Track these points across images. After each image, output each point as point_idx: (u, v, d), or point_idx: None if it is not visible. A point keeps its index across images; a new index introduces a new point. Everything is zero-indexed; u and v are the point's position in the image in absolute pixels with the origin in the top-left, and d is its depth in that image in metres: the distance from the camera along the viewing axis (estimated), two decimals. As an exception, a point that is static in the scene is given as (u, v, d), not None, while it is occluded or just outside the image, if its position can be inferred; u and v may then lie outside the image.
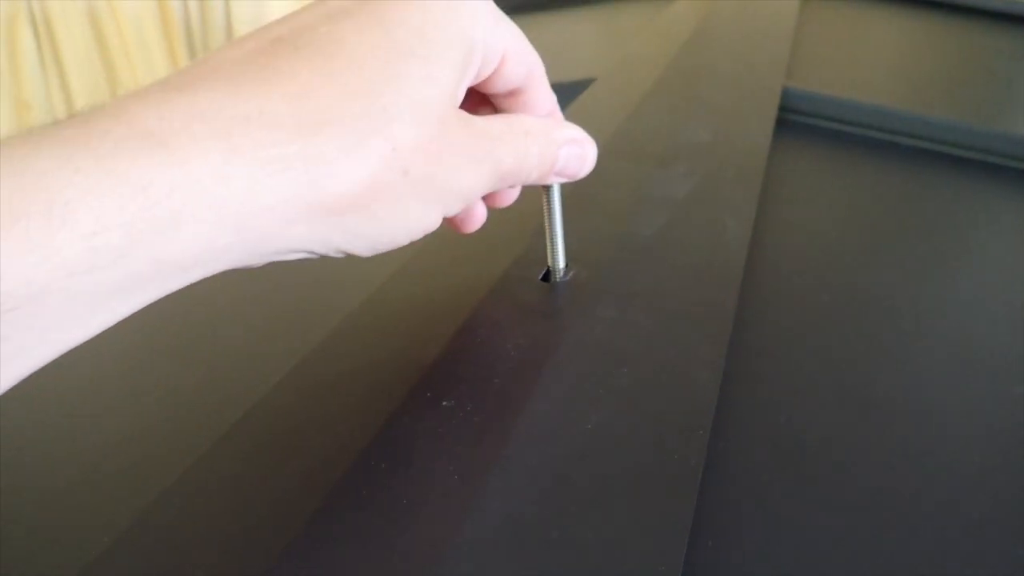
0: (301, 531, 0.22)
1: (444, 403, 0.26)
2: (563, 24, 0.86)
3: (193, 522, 0.23)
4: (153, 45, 1.70)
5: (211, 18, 1.71)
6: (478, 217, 0.31)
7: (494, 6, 0.27)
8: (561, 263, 0.33)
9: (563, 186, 0.31)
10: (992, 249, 0.43)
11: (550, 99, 0.30)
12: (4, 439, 0.29)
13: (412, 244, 0.26)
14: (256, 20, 1.72)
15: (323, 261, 0.24)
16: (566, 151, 0.29)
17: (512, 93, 0.29)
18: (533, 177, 0.29)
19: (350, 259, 0.24)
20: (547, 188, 0.31)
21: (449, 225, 0.31)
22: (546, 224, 0.32)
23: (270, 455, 0.25)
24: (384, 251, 0.25)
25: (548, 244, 0.33)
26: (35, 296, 0.17)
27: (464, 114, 0.25)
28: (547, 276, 0.33)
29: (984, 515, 0.25)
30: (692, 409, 0.26)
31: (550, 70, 0.30)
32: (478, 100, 0.30)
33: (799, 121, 0.57)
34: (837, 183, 0.50)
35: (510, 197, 0.32)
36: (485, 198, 0.31)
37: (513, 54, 0.27)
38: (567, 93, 0.62)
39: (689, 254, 0.35)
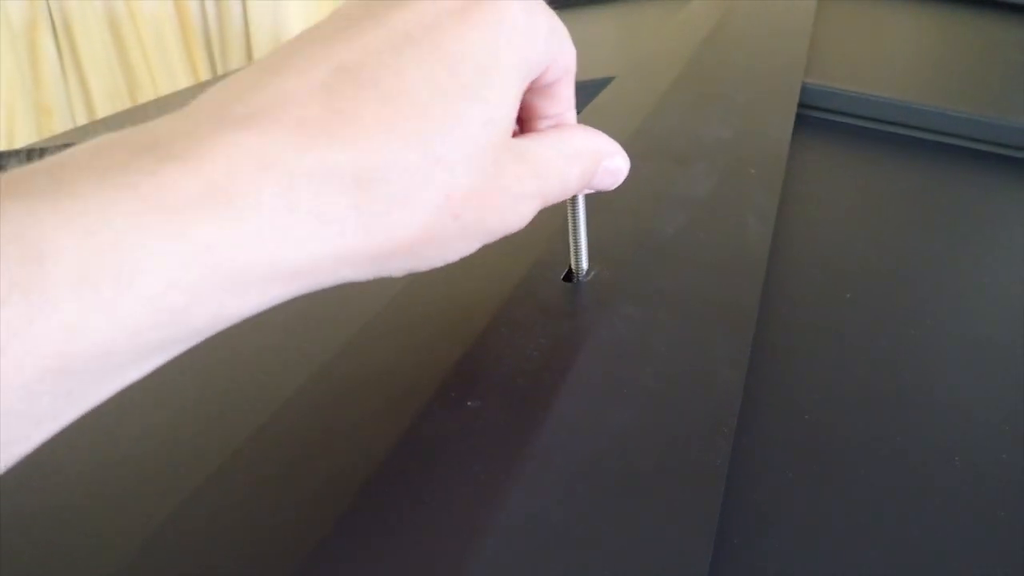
0: (329, 535, 0.22)
1: (469, 403, 0.26)
2: (582, 23, 0.86)
3: (219, 528, 0.23)
4: (172, 47, 1.71)
5: (228, 19, 1.72)
6: None
7: (550, 11, 0.26)
8: (584, 266, 0.33)
9: None
10: (1016, 243, 0.43)
11: (571, 96, 0.30)
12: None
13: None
14: (274, 21, 1.73)
15: None
16: (604, 166, 0.29)
17: (541, 88, 0.29)
18: (572, 194, 0.28)
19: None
20: (572, 196, 0.31)
21: None
22: (570, 229, 0.32)
23: (296, 459, 0.25)
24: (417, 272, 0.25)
25: (572, 248, 0.33)
26: (101, 355, 0.17)
27: (516, 144, 0.25)
28: (568, 276, 0.33)
29: (1014, 513, 0.25)
30: (717, 408, 0.26)
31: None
32: None
33: (819, 117, 0.57)
34: (858, 179, 0.50)
35: None
36: None
37: (558, 56, 0.27)
38: (586, 92, 0.62)
39: (711, 252, 0.35)
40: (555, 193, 0.27)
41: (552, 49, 0.26)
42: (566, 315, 0.31)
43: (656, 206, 0.39)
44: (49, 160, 0.18)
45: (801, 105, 0.55)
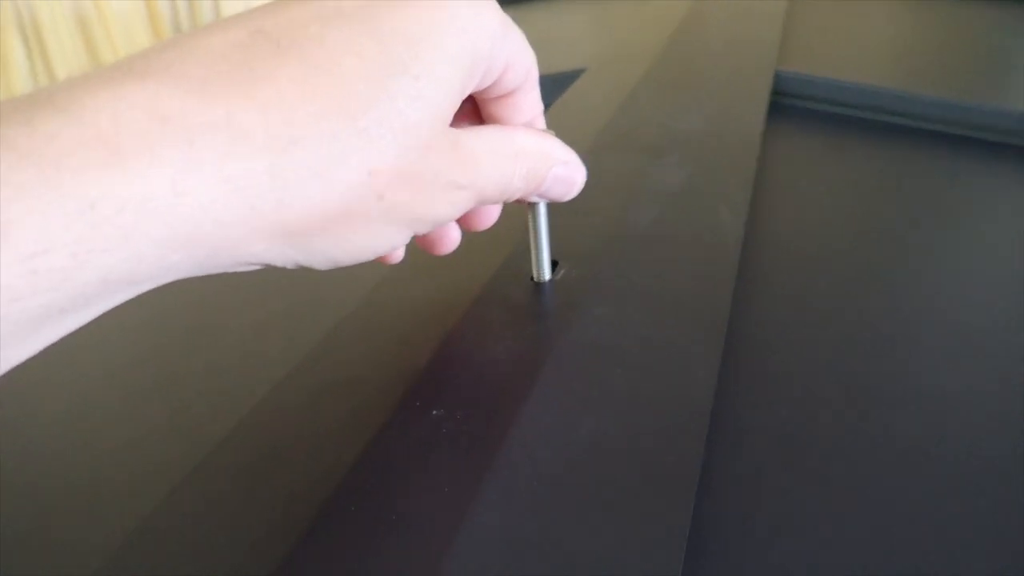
0: (292, 549, 0.21)
1: (434, 412, 0.25)
2: (552, 14, 0.85)
3: (180, 543, 0.22)
4: (142, 45, 1.70)
5: (200, 15, 1.70)
6: (451, 240, 0.29)
7: (502, 14, 0.25)
8: (547, 276, 0.32)
9: None
10: (994, 228, 0.42)
11: (537, 103, 0.29)
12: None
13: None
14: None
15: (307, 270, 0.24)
16: (554, 174, 0.28)
17: (502, 96, 0.28)
18: (515, 197, 0.27)
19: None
20: (531, 205, 0.30)
21: (421, 246, 0.30)
22: (531, 238, 0.31)
23: (259, 471, 0.24)
24: (344, 266, 0.24)
25: (533, 257, 0.32)
26: None
27: (452, 132, 0.24)
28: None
29: (994, 507, 0.25)
30: (688, 408, 0.26)
31: (540, 61, 0.29)
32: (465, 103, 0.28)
33: (793, 104, 0.56)
34: (833, 166, 0.49)
35: (488, 219, 0.30)
36: (460, 220, 0.29)
37: (515, 63, 0.26)
38: (558, 84, 0.61)
39: (683, 247, 0.35)
40: (493, 190, 0.25)
41: (506, 51, 0.25)
42: (535, 317, 0.30)
43: (627, 200, 0.38)
44: None
45: (775, 93, 0.54)
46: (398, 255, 0.29)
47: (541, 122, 0.29)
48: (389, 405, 0.26)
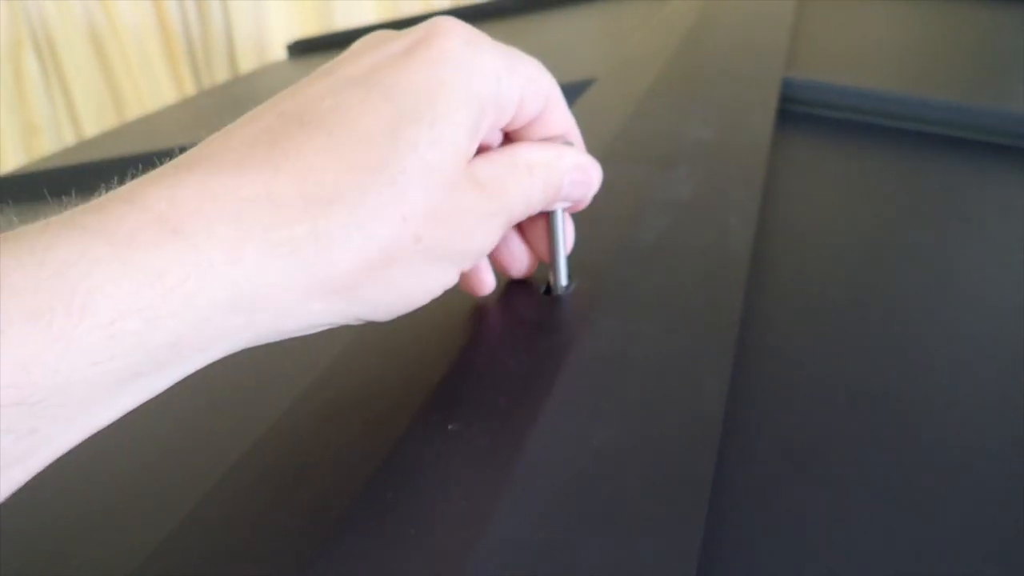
0: (310, 564, 0.22)
1: (450, 427, 0.26)
2: (562, 24, 0.85)
3: (201, 558, 0.23)
4: (156, 60, 1.71)
5: (210, 26, 1.71)
6: (487, 283, 0.31)
7: (505, 53, 0.26)
8: (564, 283, 0.33)
9: None
10: (1006, 232, 0.43)
11: (565, 119, 0.30)
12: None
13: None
14: (256, 30, 1.72)
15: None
16: (570, 178, 0.29)
17: (527, 124, 0.28)
18: (538, 208, 0.28)
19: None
20: (550, 212, 0.31)
21: (464, 289, 0.31)
22: (549, 245, 0.32)
23: (278, 487, 0.25)
24: (404, 313, 0.25)
25: (552, 265, 0.32)
26: (60, 387, 0.17)
27: (469, 168, 0.25)
28: (549, 289, 0.33)
29: (1002, 511, 0.25)
30: (700, 418, 0.26)
31: (550, 71, 0.29)
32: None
33: (801, 111, 0.56)
34: (841, 172, 0.50)
35: (520, 265, 0.32)
36: (498, 264, 0.31)
37: (530, 94, 0.27)
38: (568, 95, 0.62)
39: (692, 258, 0.35)
40: (519, 208, 0.27)
41: (516, 86, 0.26)
42: (547, 330, 0.31)
43: (637, 212, 0.39)
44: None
45: (783, 99, 0.55)
46: (488, 285, 0.31)
47: (575, 135, 0.30)
48: (405, 419, 0.27)
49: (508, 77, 0.26)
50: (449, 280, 0.26)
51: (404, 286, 0.24)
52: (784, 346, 0.32)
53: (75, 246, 0.18)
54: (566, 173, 0.29)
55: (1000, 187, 0.48)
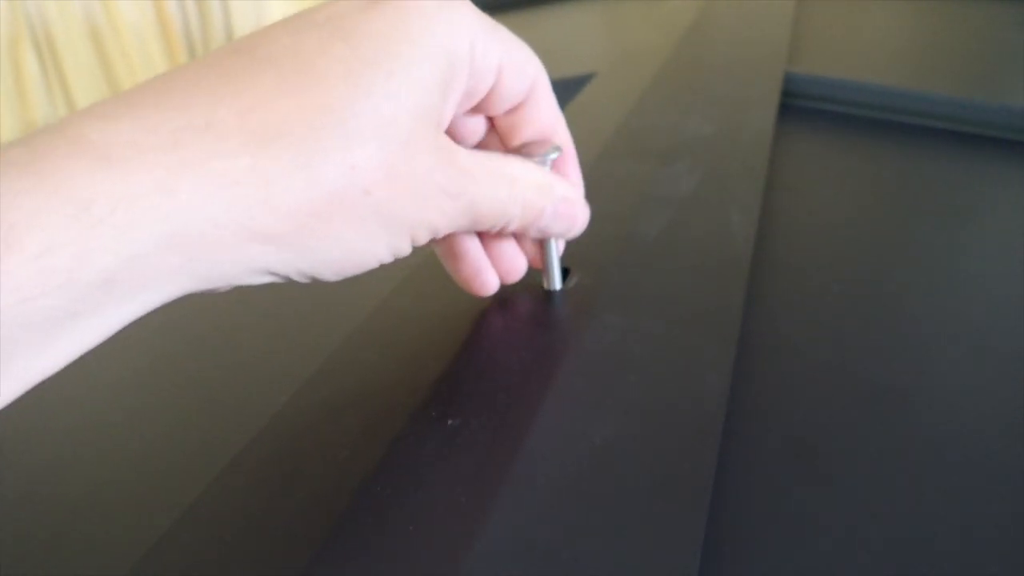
0: (309, 560, 0.22)
1: (449, 422, 0.26)
2: (562, 19, 0.85)
3: (198, 555, 0.22)
4: (155, 55, 1.71)
5: (211, 22, 1.71)
6: (491, 284, 0.30)
7: (488, 20, 0.25)
8: (557, 286, 0.32)
9: None
10: (1009, 227, 0.42)
11: (551, 114, 0.29)
12: (5, 471, 0.29)
13: (411, 256, 0.25)
14: (256, 21, 1.72)
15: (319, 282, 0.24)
16: (553, 209, 0.28)
17: (512, 109, 0.28)
18: (514, 227, 0.27)
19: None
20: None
21: (464, 286, 0.30)
22: (542, 253, 0.32)
23: (276, 483, 0.25)
24: (351, 275, 0.24)
25: (544, 268, 0.32)
26: None
27: (445, 141, 0.24)
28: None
29: (1006, 511, 0.25)
30: (702, 414, 0.26)
31: (549, 67, 0.29)
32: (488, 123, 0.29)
33: (803, 106, 0.56)
34: (843, 167, 0.49)
35: (518, 270, 0.31)
36: (495, 267, 0.30)
37: (511, 68, 0.26)
38: (568, 90, 0.62)
39: (694, 253, 0.35)
40: (486, 208, 0.26)
41: (495, 53, 0.25)
42: (547, 325, 0.30)
43: (638, 207, 0.38)
44: None
45: (785, 94, 0.54)
46: (492, 286, 0.30)
47: (563, 133, 0.29)
48: (404, 415, 0.26)
49: (486, 40, 0.25)
50: (400, 249, 0.24)
51: (351, 244, 0.23)
52: (786, 341, 0.32)
53: (1, 178, 0.17)
54: (552, 202, 0.28)
55: (1001, 181, 0.48)
